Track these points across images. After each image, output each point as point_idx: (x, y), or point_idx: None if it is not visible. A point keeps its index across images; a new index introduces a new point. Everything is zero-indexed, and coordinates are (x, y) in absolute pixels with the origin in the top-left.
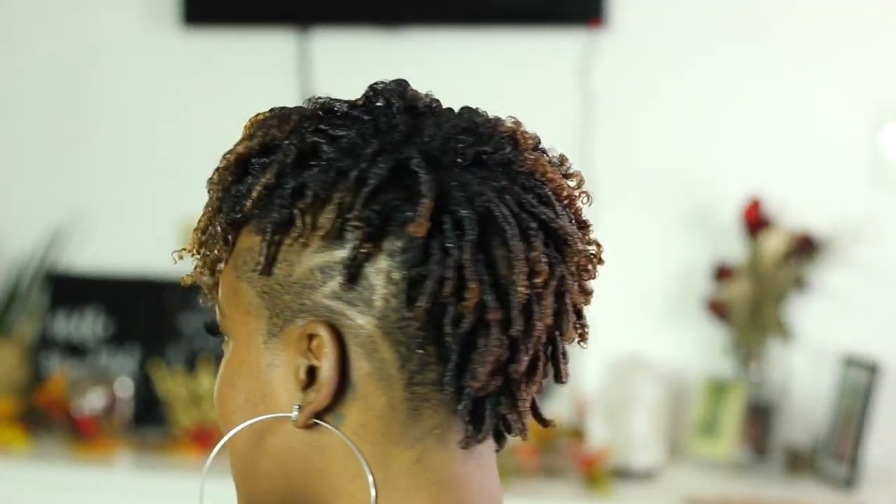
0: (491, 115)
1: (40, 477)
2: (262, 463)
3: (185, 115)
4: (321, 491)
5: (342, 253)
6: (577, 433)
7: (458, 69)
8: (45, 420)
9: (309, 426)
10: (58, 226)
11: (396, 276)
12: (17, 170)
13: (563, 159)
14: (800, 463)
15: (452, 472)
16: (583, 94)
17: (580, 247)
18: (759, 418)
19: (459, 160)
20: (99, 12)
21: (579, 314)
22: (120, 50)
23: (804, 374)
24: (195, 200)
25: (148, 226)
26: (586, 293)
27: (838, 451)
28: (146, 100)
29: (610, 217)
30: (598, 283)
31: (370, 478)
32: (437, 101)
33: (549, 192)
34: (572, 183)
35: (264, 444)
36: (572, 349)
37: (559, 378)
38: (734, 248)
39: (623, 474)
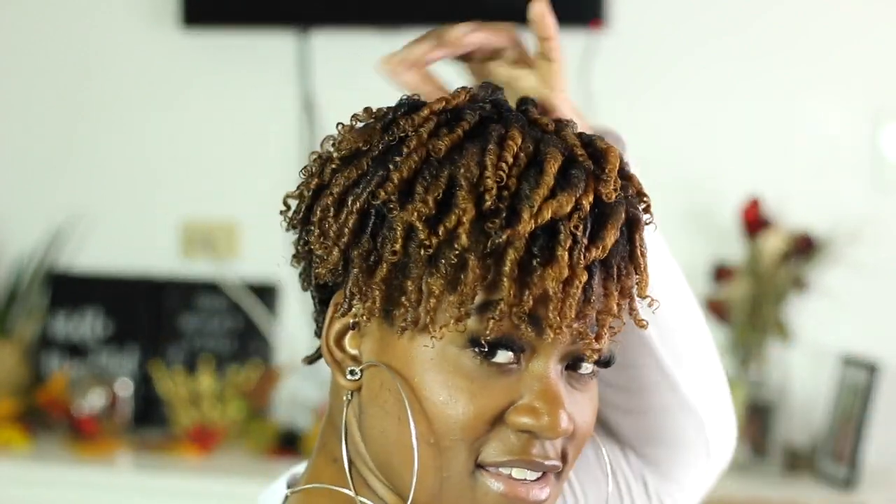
0: None
1: (40, 477)
2: None
3: (185, 115)
4: None
5: None
6: None
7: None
8: (45, 420)
9: None
10: (58, 226)
11: None
12: (17, 170)
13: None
14: (799, 463)
15: None
16: (583, 94)
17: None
18: (759, 418)
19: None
20: (99, 12)
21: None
22: (120, 50)
23: (803, 374)
24: (195, 200)
25: (148, 226)
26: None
27: (837, 451)
28: (146, 100)
29: None
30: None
31: None
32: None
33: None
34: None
35: None
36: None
37: None
38: (733, 248)
39: None
